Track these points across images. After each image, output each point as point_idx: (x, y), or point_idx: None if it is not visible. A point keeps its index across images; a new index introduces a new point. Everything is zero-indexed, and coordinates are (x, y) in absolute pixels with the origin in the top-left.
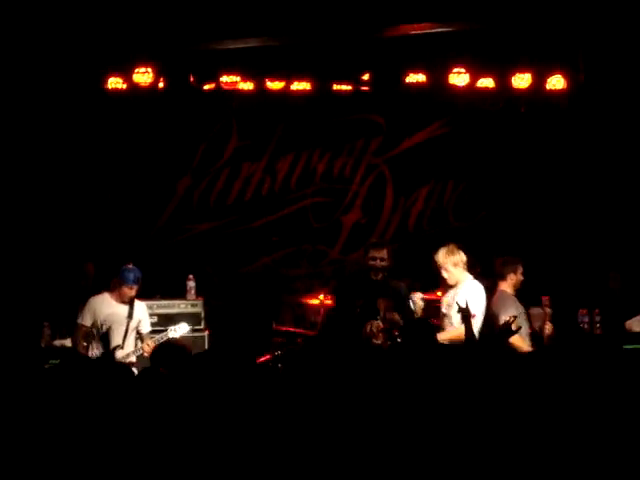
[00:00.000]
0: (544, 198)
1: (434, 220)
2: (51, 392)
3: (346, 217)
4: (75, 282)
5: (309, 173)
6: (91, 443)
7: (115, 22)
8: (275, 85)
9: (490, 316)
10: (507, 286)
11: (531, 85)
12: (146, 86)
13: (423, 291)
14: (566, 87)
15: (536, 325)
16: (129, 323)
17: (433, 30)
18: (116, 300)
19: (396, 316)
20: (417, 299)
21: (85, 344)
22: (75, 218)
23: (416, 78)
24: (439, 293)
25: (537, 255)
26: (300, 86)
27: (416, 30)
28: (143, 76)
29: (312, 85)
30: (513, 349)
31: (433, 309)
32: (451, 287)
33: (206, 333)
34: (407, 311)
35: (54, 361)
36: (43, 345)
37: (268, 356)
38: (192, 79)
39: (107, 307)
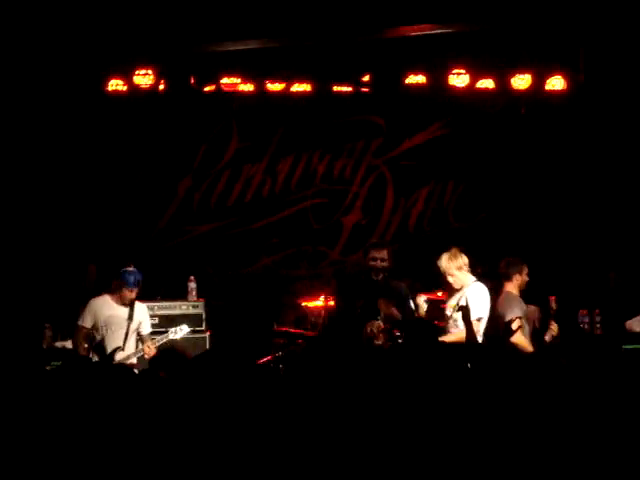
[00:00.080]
0: (544, 199)
1: (434, 221)
2: (53, 394)
3: (346, 218)
4: (77, 284)
5: (309, 174)
6: (92, 444)
7: (116, 24)
8: (275, 87)
9: (496, 317)
10: (512, 287)
11: (531, 86)
12: (147, 88)
13: (424, 291)
14: (566, 88)
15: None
16: (129, 325)
17: (433, 31)
18: (116, 302)
19: (394, 311)
20: (421, 301)
21: (86, 345)
22: (76, 220)
23: (416, 79)
24: (439, 294)
25: (537, 256)
26: (300, 88)
27: (416, 31)
28: (144, 78)
29: (312, 87)
30: (518, 350)
31: (437, 310)
32: (456, 291)
33: (207, 334)
34: (407, 311)
35: (56, 362)
36: (45, 346)
37: (269, 357)
38: (193, 81)
39: (107, 309)
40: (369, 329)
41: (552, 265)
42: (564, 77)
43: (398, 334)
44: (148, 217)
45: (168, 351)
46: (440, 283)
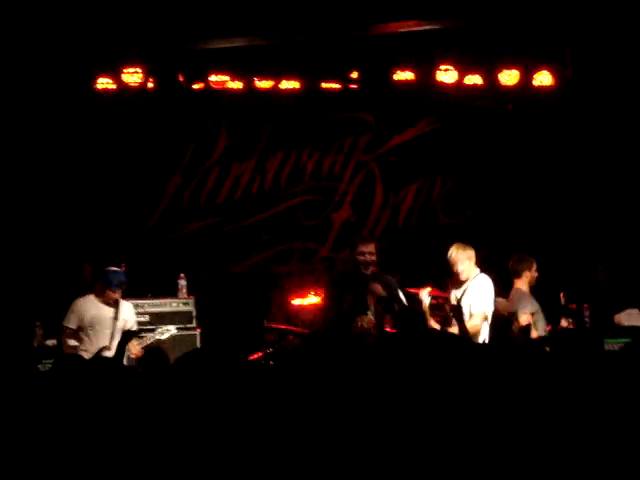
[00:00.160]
0: (533, 194)
1: (423, 217)
2: (45, 392)
3: (336, 215)
4: (71, 283)
5: (298, 171)
6: (85, 442)
7: (104, 23)
8: (264, 84)
9: (507, 314)
10: (522, 283)
11: (519, 82)
12: (135, 86)
13: (412, 287)
14: (554, 83)
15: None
16: (115, 325)
17: (420, 28)
18: (101, 302)
19: (379, 288)
20: (424, 295)
21: (72, 346)
22: (67, 218)
23: (404, 76)
24: (429, 289)
25: (527, 250)
26: (289, 85)
27: (403, 28)
28: (132, 76)
29: (301, 84)
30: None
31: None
32: (461, 283)
33: (198, 331)
34: (398, 303)
35: (47, 361)
36: (35, 345)
37: (260, 354)
38: (181, 79)
39: (92, 309)
40: (359, 324)
41: (540, 259)
42: (552, 72)
43: (389, 330)
44: (138, 215)
45: (153, 352)
46: (429, 278)
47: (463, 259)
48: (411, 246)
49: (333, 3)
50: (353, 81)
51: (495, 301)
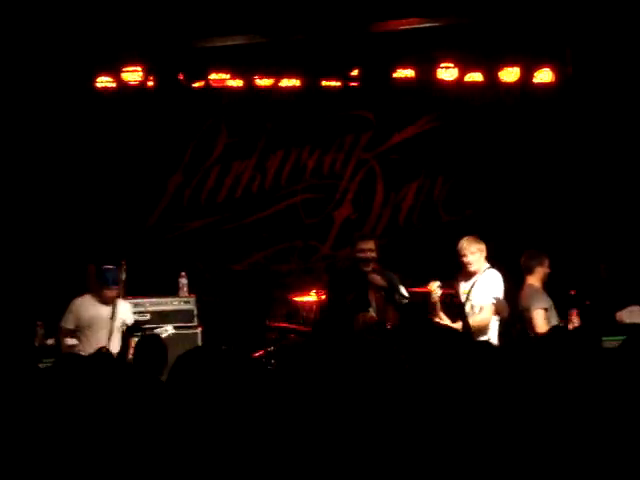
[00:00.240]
0: (534, 192)
1: (424, 215)
2: (47, 391)
3: (337, 213)
4: (76, 284)
5: (299, 169)
6: (85, 440)
7: (104, 21)
8: (264, 82)
9: (520, 311)
10: (535, 280)
11: (519, 79)
12: (135, 84)
13: (413, 286)
14: (554, 80)
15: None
16: (112, 324)
17: (421, 25)
18: (98, 301)
19: (378, 279)
20: (434, 287)
21: (70, 345)
22: (66, 217)
23: (405, 73)
24: (438, 282)
25: (528, 248)
26: (289, 83)
27: (404, 25)
28: (132, 75)
29: (301, 82)
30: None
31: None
32: (470, 275)
33: (199, 330)
34: (398, 295)
35: (47, 360)
36: (36, 344)
37: (261, 352)
38: (181, 77)
39: (89, 309)
40: (361, 320)
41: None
42: (552, 70)
43: (389, 327)
44: (139, 214)
45: (150, 338)
46: (430, 276)
47: (474, 250)
48: (412, 244)
49: (333, 1)
50: (353, 79)
51: (548, 302)
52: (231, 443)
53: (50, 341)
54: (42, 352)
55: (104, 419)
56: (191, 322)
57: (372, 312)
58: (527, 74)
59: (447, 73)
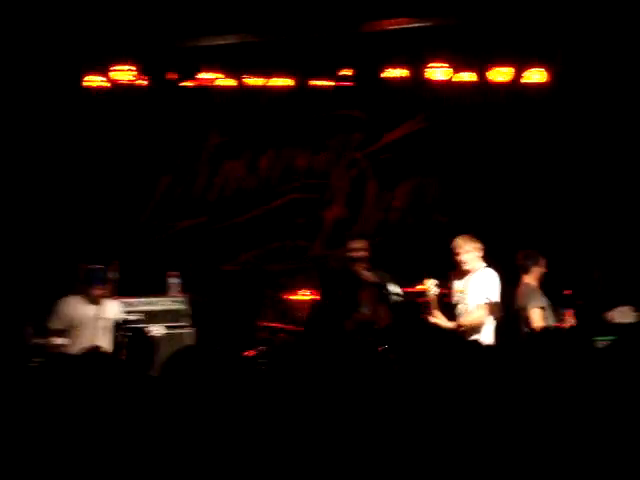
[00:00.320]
0: (526, 191)
1: (416, 215)
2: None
3: (328, 212)
4: (67, 283)
5: (290, 169)
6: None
7: (94, 20)
8: (255, 81)
9: (516, 309)
10: (531, 279)
11: (511, 79)
12: (126, 84)
13: (404, 286)
14: (546, 80)
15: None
16: (100, 323)
17: (412, 25)
18: (86, 301)
19: (368, 275)
20: (431, 285)
21: (58, 344)
22: (57, 217)
23: (396, 73)
24: (419, 287)
25: (521, 247)
26: (280, 82)
27: (395, 25)
28: (123, 74)
29: (292, 81)
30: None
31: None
32: (464, 274)
33: (192, 330)
34: (389, 296)
35: (38, 359)
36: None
37: (252, 352)
38: (172, 76)
39: (76, 309)
40: (353, 321)
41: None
42: (544, 69)
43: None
44: (129, 213)
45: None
46: (421, 276)
47: (468, 249)
48: (403, 244)
49: (324, 0)
50: (345, 79)
51: (545, 301)
52: (222, 442)
53: (39, 341)
54: (31, 352)
55: (94, 417)
56: (184, 322)
57: (364, 312)
58: (518, 74)
59: (438, 73)
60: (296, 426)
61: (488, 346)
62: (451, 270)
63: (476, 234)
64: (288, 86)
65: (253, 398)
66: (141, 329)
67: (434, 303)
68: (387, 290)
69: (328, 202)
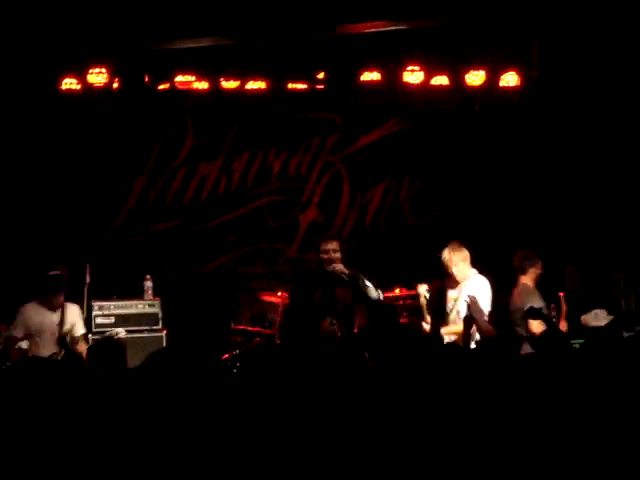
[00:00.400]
0: (499, 194)
1: (391, 217)
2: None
3: (303, 215)
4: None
5: (265, 172)
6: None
7: (69, 22)
8: (230, 84)
9: (513, 310)
10: (528, 280)
11: (485, 82)
12: (101, 86)
13: (382, 288)
14: (520, 84)
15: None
16: (62, 329)
17: (387, 28)
18: (46, 308)
19: (341, 267)
20: (422, 291)
21: (21, 350)
22: (30, 219)
23: (371, 76)
24: (397, 290)
25: (494, 251)
26: (255, 85)
27: (370, 28)
28: (97, 76)
29: (267, 84)
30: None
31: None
32: (457, 283)
33: (164, 333)
34: (366, 298)
35: (9, 363)
36: None
37: (226, 355)
38: (147, 79)
39: (37, 316)
40: (327, 323)
41: (508, 259)
42: (518, 73)
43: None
44: (103, 216)
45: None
46: (398, 279)
47: (457, 261)
48: (379, 246)
49: (299, 3)
50: (320, 81)
51: (542, 302)
52: (196, 446)
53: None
54: (3, 356)
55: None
56: (156, 325)
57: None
58: (493, 77)
59: (413, 76)
60: (269, 429)
61: (466, 349)
62: (445, 278)
63: (451, 236)
64: (263, 89)
65: (226, 402)
66: (107, 336)
67: (425, 308)
68: (364, 284)
69: (303, 205)
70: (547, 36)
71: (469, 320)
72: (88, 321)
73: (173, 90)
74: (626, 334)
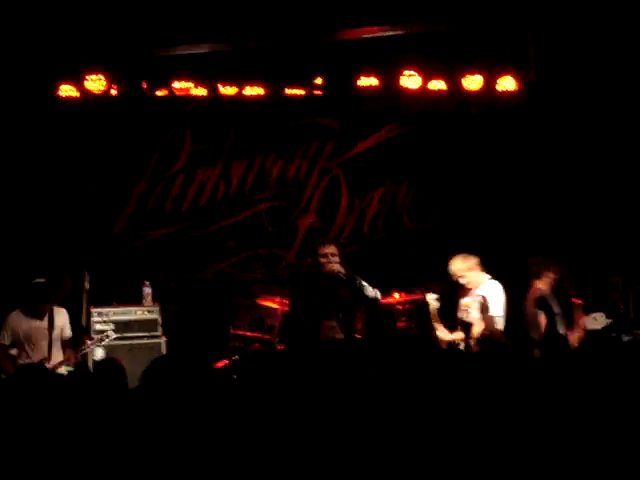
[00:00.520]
0: (497, 199)
1: (389, 222)
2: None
3: (301, 221)
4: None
5: (263, 178)
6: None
7: (66, 30)
8: (228, 90)
9: (528, 314)
10: (543, 284)
11: (482, 87)
12: (99, 93)
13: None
14: (517, 88)
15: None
16: (51, 334)
17: (384, 33)
18: (32, 315)
19: (337, 266)
20: (431, 299)
21: (10, 357)
22: (31, 225)
23: (368, 82)
24: (396, 295)
25: (492, 256)
26: (253, 91)
27: (367, 34)
28: (95, 83)
29: (265, 90)
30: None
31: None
32: (470, 290)
33: (163, 339)
34: (364, 297)
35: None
36: None
37: (226, 361)
38: (145, 86)
39: (25, 322)
40: (327, 324)
41: (506, 263)
42: (515, 77)
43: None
44: (103, 222)
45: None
46: (394, 284)
47: (463, 269)
48: (377, 252)
49: (296, 8)
50: (317, 87)
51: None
52: (197, 453)
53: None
54: None
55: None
56: (155, 331)
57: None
58: (490, 81)
59: (410, 81)
60: (270, 436)
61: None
62: (458, 287)
63: (449, 241)
64: (261, 95)
65: (225, 408)
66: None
67: (435, 316)
68: (360, 283)
69: (301, 210)
70: (544, 40)
71: (467, 325)
72: (87, 327)
73: (171, 97)
74: (625, 338)
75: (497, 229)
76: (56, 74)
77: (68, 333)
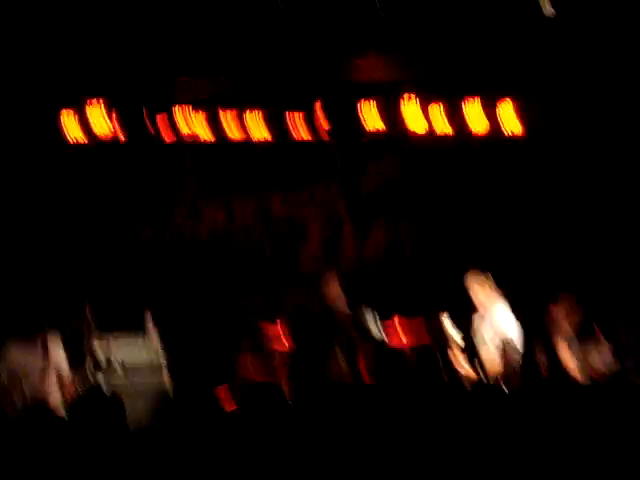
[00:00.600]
0: (498, 223)
1: (391, 254)
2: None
3: (304, 256)
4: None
5: (265, 209)
6: None
7: (68, 60)
8: (234, 135)
9: (540, 339)
10: (560, 310)
11: (482, 111)
12: (103, 136)
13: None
14: (520, 118)
15: None
16: (47, 364)
17: (384, 62)
18: (27, 345)
19: (342, 306)
20: (446, 322)
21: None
22: (31, 255)
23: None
24: (396, 320)
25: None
26: (258, 134)
27: (368, 62)
28: (100, 126)
29: (264, 113)
30: None
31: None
32: (481, 315)
33: (165, 367)
34: (373, 338)
35: None
36: None
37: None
38: (144, 111)
39: (19, 355)
40: (335, 367)
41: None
42: (517, 107)
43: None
44: (107, 255)
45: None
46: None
47: (475, 288)
48: (380, 282)
49: (296, 37)
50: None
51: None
52: None
53: None
54: None
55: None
56: (156, 360)
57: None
58: (490, 106)
59: (410, 106)
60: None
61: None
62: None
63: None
64: (266, 139)
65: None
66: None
67: (458, 357)
68: (366, 323)
69: (304, 244)
70: (547, 67)
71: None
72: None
73: (178, 140)
74: None
75: (500, 255)
76: (58, 104)
77: (65, 369)
